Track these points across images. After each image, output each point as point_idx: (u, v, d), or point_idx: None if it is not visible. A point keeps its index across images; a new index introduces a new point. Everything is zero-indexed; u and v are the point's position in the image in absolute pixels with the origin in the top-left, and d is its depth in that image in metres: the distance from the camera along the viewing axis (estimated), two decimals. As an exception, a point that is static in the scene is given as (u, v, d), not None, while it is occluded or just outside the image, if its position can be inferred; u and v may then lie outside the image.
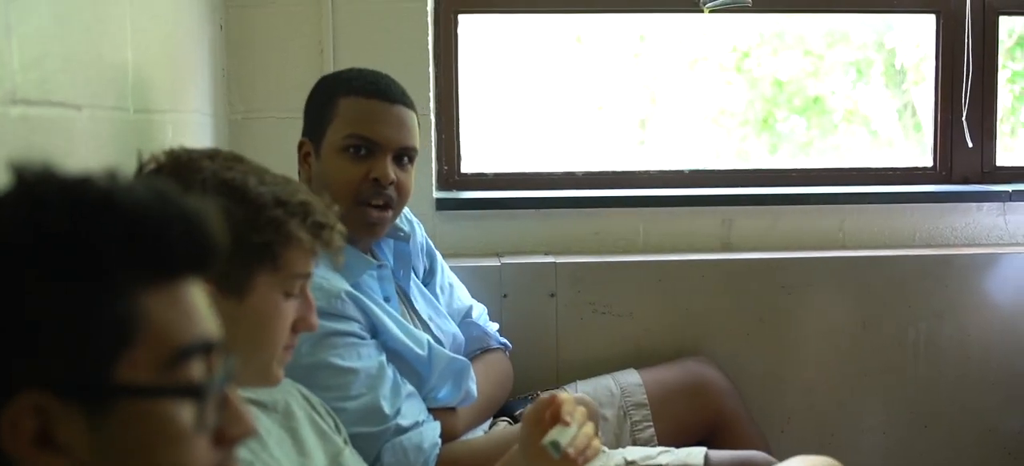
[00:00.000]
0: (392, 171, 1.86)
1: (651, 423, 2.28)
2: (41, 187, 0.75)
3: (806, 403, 2.59)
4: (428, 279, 2.14)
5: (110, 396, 0.74)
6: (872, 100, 3.06)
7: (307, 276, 1.31)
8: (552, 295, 2.50)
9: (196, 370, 0.78)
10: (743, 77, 3.18)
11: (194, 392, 0.77)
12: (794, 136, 3.11)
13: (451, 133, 2.62)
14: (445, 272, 2.20)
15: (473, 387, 1.99)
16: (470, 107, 2.69)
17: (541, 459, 1.43)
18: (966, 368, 2.63)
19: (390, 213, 1.89)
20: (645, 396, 2.32)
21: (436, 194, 2.58)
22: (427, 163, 2.55)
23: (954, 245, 2.71)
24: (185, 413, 0.77)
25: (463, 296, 2.21)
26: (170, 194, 0.77)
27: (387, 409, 1.77)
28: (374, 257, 1.97)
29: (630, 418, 2.29)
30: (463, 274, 2.38)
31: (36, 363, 0.72)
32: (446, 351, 1.94)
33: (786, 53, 3.06)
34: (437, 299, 2.11)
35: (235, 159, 1.34)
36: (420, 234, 2.13)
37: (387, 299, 1.94)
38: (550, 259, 2.51)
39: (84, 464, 0.74)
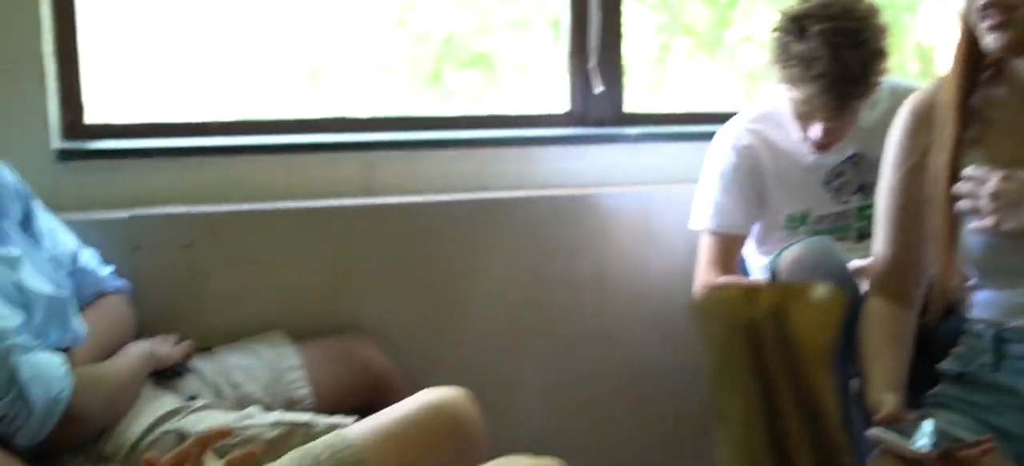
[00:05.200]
0: None
1: (305, 382, 2.29)
2: None
3: (453, 345, 2.70)
4: (26, 224, 2.06)
5: None
6: (537, 53, 3.20)
7: None
8: (187, 246, 2.46)
9: None
10: (407, 32, 3.22)
11: None
12: (464, 90, 3.19)
13: (73, 79, 2.52)
14: (45, 216, 2.14)
15: (81, 326, 1.94)
16: (103, 56, 2.59)
17: None
18: (603, 301, 2.83)
19: None
20: (298, 359, 2.33)
21: (57, 144, 2.47)
22: (43, 112, 2.44)
23: (588, 185, 2.87)
24: None
25: (66, 240, 2.16)
26: None
27: (5, 324, 1.73)
28: None
29: (284, 378, 2.28)
30: (91, 228, 2.33)
31: None
32: (43, 288, 1.88)
33: (451, 8, 3.13)
34: (38, 245, 2.03)
35: None
36: (7, 175, 2.04)
37: None
38: (184, 209, 2.48)
39: None
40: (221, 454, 1.79)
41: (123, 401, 1.97)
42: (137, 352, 2.08)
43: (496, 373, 2.70)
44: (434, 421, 1.70)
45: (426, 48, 3.18)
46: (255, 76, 2.91)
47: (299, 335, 2.46)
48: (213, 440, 1.44)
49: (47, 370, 1.77)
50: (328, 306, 2.60)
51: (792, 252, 2.26)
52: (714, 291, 2.17)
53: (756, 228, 2.63)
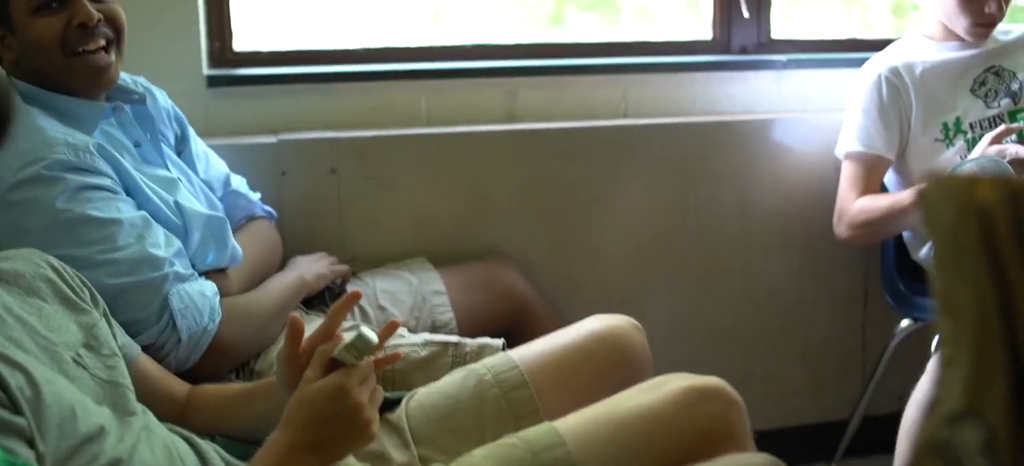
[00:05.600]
0: (93, 9, 1.83)
1: (449, 307, 2.31)
2: None
3: (594, 269, 2.70)
4: (181, 147, 2.13)
5: None
6: None
7: None
8: (333, 171, 2.49)
9: None
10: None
11: None
12: (585, 32, 3.16)
13: (222, 8, 2.57)
14: (198, 140, 2.18)
15: (237, 247, 1.99)
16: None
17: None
18: (745, 230, 2.79)
19: (113, 54, 1.88)
20: (442, 284, 2.35)
21: (207, 71, 2.52)
22: (196, 39, 2.50)
23: (732, 112, 2.82)
24: None
25: (219, 164, 2.21)
26: None
27: (161, 254, 1.78)
28: None
29: (428, 302, 2.31)
30: (239, 153, 2.38)
31: None
32: (200, 208, 1.93)
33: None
34: (194, 169, 2.08)
35: None
36: (163, 100, 2.11)
37: (137, 144, 1.92)
38: (330, 134, 2.51)
39: None
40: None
41: (271, 332, 2.01)
42: (287, 283, 2.11)
43: (635, 299, 2.69)
44: (600, 349, 1.68)
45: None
46: (381, 17, 2.93)
47: (440, 260, 2.47)
48: (352, 302, 1.44)
49: (198, 301, 1.81)
50: (468, 231, 2.62)
51: (967, 168, 2.28)
52: (941, 175, 2.17)
53: (904, 155, 2.60)
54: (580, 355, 1.69)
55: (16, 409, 1.20)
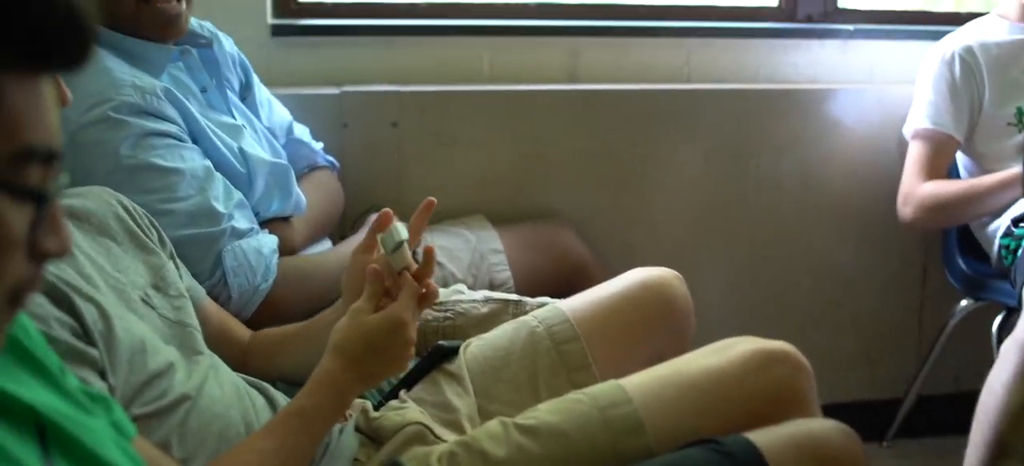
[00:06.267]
0: None
1: (507, 267, 2.31)
2: None
3: (650, 234, 2.70)
4: (245, 94, 2.14)
5: None
6: None
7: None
8: (394, 125, 2.49)
9: (35, 176, 0.73)
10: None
11: (37, 197, 0.73)
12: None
13: (288, -43, 2.57)
14: (262, 87, 2.19)
15: (301, 195, 1.99)
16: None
17: (359, 279, 1.44)
18: (804, 201, 2.77)
19: (183, 3, 1.88)
20: (500, 243, 2.35)
21: (271, 20, 2.53)
22: (262, -13, 2.50)
23: (796, 81, 2.79)
24: (17, 217, 0.72)
25: (283, 112, 2.22)
26: None
27: (221, 208, 1.78)
28: None
29: (486, 260, 2.31)
30: (302, 103, 2.39)
31: None
32: (264, 155, 1.93)
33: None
34: (257, 115, 2.09)
35: None
36: (229, 46, 2.11)
37: (204, 90, 1.93)
38: (393, 88, 2.52)
39: None
40: (432, 330, 1.84)
41: (329, 295, 2.01)
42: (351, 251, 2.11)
43: (690, 265, 2.64)
44: (646, 298, 1.68)
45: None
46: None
47: (497, 219, 2.47)
48: (387, 221, 1.46)
49: (253, 259, 1.81)
50: (527, 191, 2.61)
51: None
52: None
53: (973, 137, 2.56)
54: (625, 304, 1.69)
55: (90, 340, 1.22)
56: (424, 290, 1.40)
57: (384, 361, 1.37)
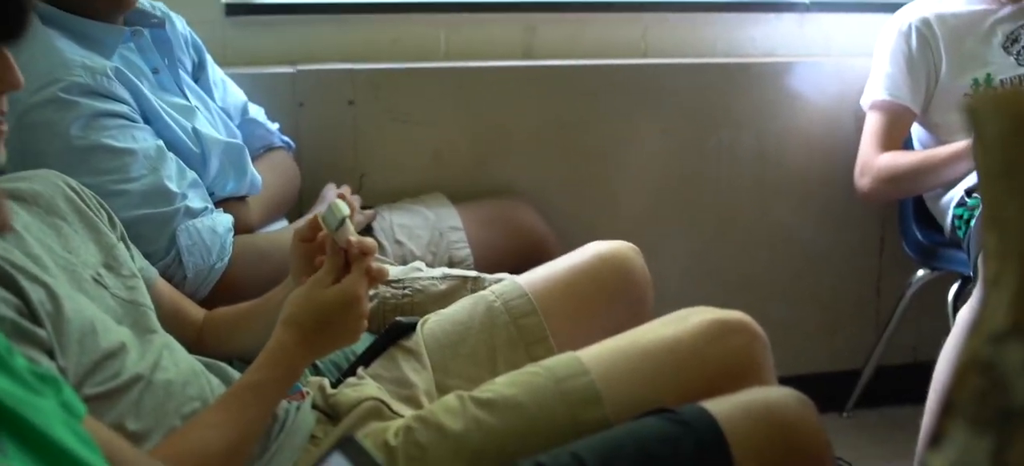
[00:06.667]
0: None
1: (467, 244, 2.31)
2: None
3: (609, 210, 2.70)
4: (198, 74, 2.12)
5: None
6: None
7: None
8: (351, 103, 2.49)
9: None
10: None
11: None
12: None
13: (240, -66, 2.54)
14: (215, 67, 2.17)
15: (256, 174, 1.98)
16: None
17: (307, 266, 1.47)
18: (762, 174, 2.78)
19: None
20: (459, 220, 2.34)
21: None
22: (214, -34, 2.48)
23: (753, 55, 2.80)
24: None
25: (237, 92, 2.20)
26: None
27: (174, 188, 1.77)
28: None
29: (445, 238, 2.30)
30: (256, 83, 2.38)
31: None
32: (218, 135, 1.91)
33: None
34: (211, 96, 2.07)
35: None
36: (181, 26, 2.08)
37: (156, 71, 1.91)
38: (348, 66, 2.51)
39: None
40: (391, 307, 1.84)
41: (285, 273, 2.00)
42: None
43: (650, 241, 2.65)
44: (603, 271, 1.69)
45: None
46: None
47: (456, 197, 2.46)
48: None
49: (207, 238, 1.81)
50: (485, 169, 2.61)
51: None
52: (993, 89, 2.20)
53: (929, 109, 2.58)
54: (583, 276, 1.70)
55: (36, 321, 1.21)
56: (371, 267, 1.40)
57: (336, 334, 1.38)
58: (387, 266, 1.99)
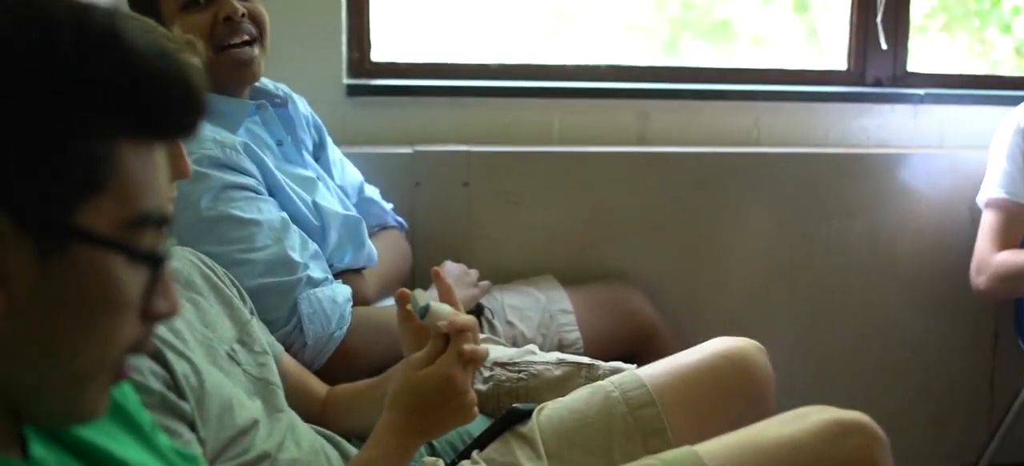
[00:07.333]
0: (238, 4, 1.92)
1: (576, 326, 2.33)
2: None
3: (718, 297, 2.71)
4: (318, 153, 2.20)
5: (68, 237, 0.72)
6: (777, 24, 3.12)
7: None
8: (465, 184, 2.54)
9: (149, 240, 0.77)
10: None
11: (152, 259, 0.77)
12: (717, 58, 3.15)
13: (362, 19, 2.66)
14: (334, 148, 2.26)
15: (372, 248, 2.03)
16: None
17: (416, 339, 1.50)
18: (874, 266, 2.76)
19: (256, 48, 1.96)
20: (570, 303, 2.37)
21: (346, 80, 2.59)
22: (337, 49, 2.59)
23: (866, 146, 2.79)
24: (134, 279, 0.76)
25: (354, 172, 2.27)
26: (170, 51, 0.77)
27: (297, 258, 1.83)
28: None
29: (556, 321, 2.33)
30: (375, 162, 2.44)
31: (5, 179, 0.70)
32: (338, 208, 1.98)
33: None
34: (330, 174, 2.14)
35: None
36: (303, 107, 2.18)
37: (280, 143, 1.99)
38: (464, 147, 2.56)
39: (14, 301, 0.71)
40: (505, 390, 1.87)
41: (399, 347, 2.03)
42: None
43: (759, 327, 2.62)
44: (726, 368, 1.69)
45: (663, 13, 3.13)
46: (498, 29, 2.96)
47: (566, 280, 2.49)
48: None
49: (327, 307, 1.85)
50: (595, 252, 2.64)
51: None
52: None
53: None
54: (705, 374, 1.70)
55: (182, 395, 1.26)
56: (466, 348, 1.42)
57: (437, 415, 1.40)
58: (498, 347, 2.04)
